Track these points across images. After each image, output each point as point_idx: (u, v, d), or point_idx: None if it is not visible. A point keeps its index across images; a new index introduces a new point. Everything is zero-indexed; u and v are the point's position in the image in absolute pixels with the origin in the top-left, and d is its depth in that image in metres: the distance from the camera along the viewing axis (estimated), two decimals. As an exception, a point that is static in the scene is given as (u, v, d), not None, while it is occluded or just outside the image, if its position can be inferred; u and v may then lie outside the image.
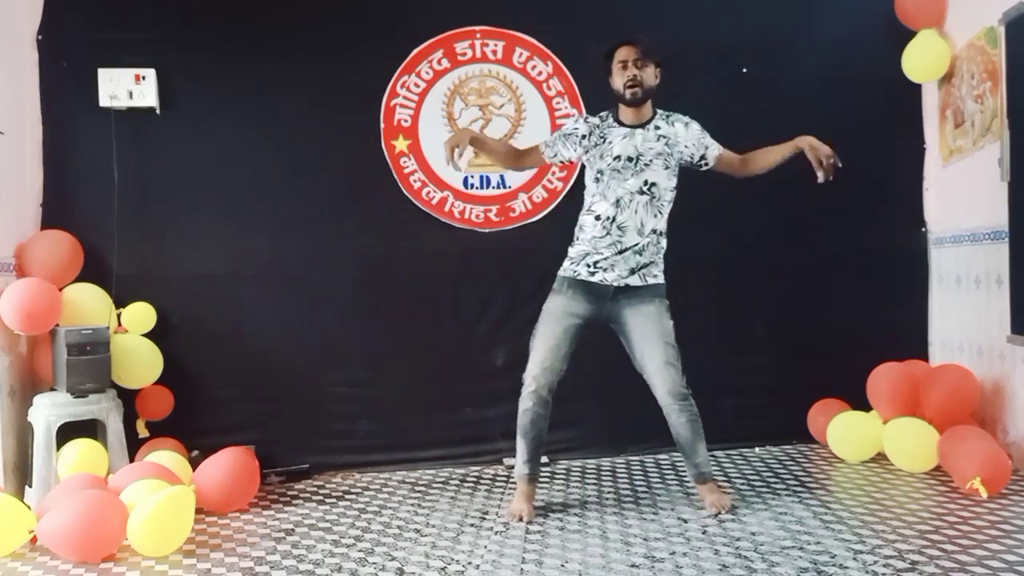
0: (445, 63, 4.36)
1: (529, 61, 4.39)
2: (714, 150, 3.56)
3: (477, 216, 4.38)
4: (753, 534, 3.14)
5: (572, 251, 3.52)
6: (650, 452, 4.38)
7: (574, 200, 4.24)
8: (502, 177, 4.39)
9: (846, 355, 4.39)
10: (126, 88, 4.06)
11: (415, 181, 4.35)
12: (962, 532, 3.08)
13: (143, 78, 4.07)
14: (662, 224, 3.47)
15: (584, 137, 3.48)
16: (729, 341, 4.46)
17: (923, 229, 4.58)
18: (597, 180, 3.45)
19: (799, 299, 4.49)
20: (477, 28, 4.37)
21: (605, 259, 3.41)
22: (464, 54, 4.38)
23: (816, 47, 4.46)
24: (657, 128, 3.48)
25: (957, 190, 4.33)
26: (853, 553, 2.90)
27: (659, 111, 3.54)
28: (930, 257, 4.57)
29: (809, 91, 4.46)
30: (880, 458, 4.07)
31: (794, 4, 4.50)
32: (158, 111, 4.14)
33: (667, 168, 3.45)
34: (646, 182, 3.41)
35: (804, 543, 3.02)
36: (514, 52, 4.39)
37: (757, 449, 4.41)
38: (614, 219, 3.40)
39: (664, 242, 3.49)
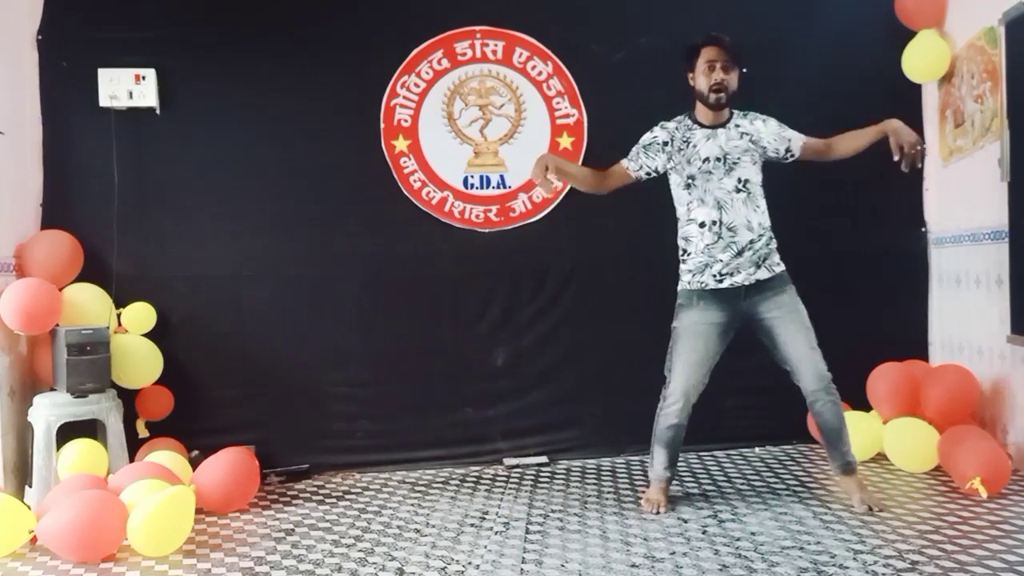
0: (445, 63, 4.36)
1: (529, 61, 4.39)
2: (797, 140, 3.55)
3: (477, 216, 4.38)
4: (753, 534, 3.14)
5: (688, 265, 3.45)
6: (650, 452, 4.37)
7: (574, 200, 4.26)
8: (502, 177, 4.40)
9: (846, 355, 4.36)
10: (126, 88, 4.06)
11: (415, 181, 4.35)
12: (962, 532, 3.08)
13: (143, 78, 4.07)
14: (766, 219, 3.44)
15: (666, 144, 3.44)
16: (729, 341, 4.45)
17: (923, 229, 4.58)
18: (689, 186, 3.41)
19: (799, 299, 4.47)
20: (477, 28, 4.37)
21: (727, 265, 3.37)
22: (464, 54, 4.38)
23: (816, 47, 4.45)
24: (738, 126, 3.46)
25: (957, 190, 4.33)
26: (853, 553, 2.90)
27: (735, 111, 3.52)
28: (930, 257, 4.57)
29: (809, 91, 4.45)
30: (880, 458, 4.07)
31: (794, 4, 4.50)
32: (158, 111, 4.14)
33: (755, 164, 3.45)
34: (740, 179, 3.39)
35: (804, 543, 3.02)
36: (514, 52, 4.39)
37: (757, 449, 4.41)
38: (720, 222, 3.37)
39: (773, 236, 3.46)
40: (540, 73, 4.40)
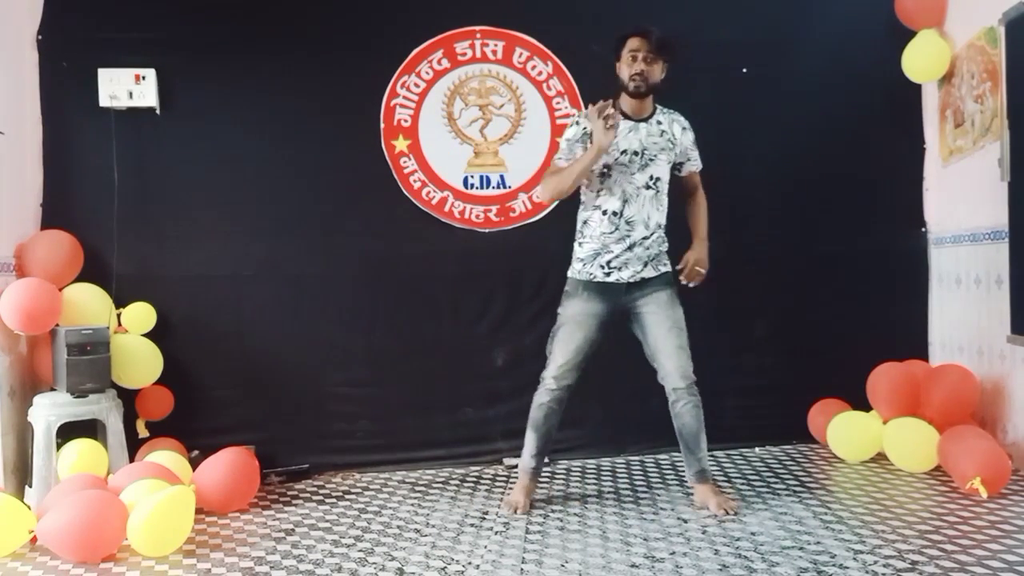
0: (445, 63, 4.36)
1: (529, 61, 4.39)
2: (692, 165, 3.61)
3: (477, 216, 4.38)
4: (753, 534, 3.14)
5: (580, 251, 3.51)
6: (650, 452, 4.38)
7: (574, 200, 4.25)
8: (502, 177, 4.40)
9: (846, 355, 4.38)
10: (126, 88, 4.06)
11: (415, 181, 4.35)
12: (962, 532, 3.08)
13: (143, 78, 4.07)
14: (664, 218, 3.51)
15: (591, 134, 3.44)
16: (729, 341, 4.46)
17: (923, 229, 4.58)
18: (603, 174, 3.45)
19: (799, 299, 4.49)
20: (477, 28, 4.37)
21: (617, 257, 3.43)
22: (464, 54, 4.38)
23: (816, 47, 4.46)
24: (659, 123, 3.50)
25: (957, 190, 4.33)
26: (853, 553, 2.90)
27: (659, 107, 3.55)
28: (930, 257, 4.57)
29: (809, 91, 4.46)
30: (880, 458, 4.07)
31: (794, 4, 4.50)
32: (158, 111, 4.14)
33: (669, 163, 3.49)
34: (651, 176, 3.44)
35: (804, 543, 3.02)
36: (514, 52, 4.39)
37: (757, 449, 4.41)
38: (622, 214, 3.42)
39: (665, 235, 3.53)
40: (540, 73, 4.40)
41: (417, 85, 4.35)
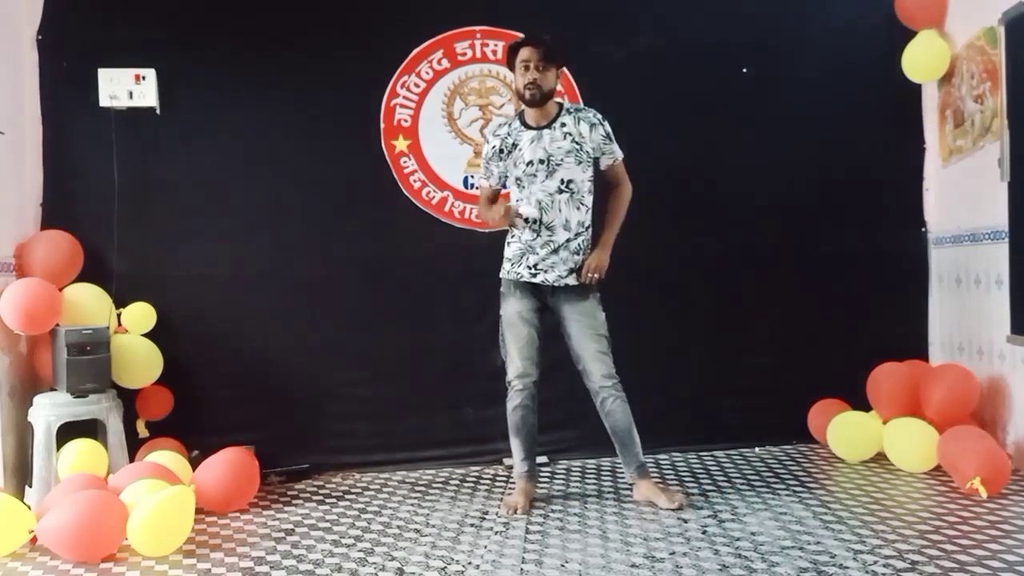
0: (445, 63, 4.36)
1: (529, 61, 4.39)
2: (608, 159, 3.57)
3: (477, 216, 4.38)
4: (753, 534, 3.14)
5: (508, 251, 3.59)
6: (650, 452, 4.35)
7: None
8: (502, 177, 4.39)
9: (846, 355, 4.39)
10: (126, 88, 4.06)
11: (415, 181, 4.35)
12: (962, 532, 3.08)
13: (143, 78, 4.07)
14: (587, 216, 3.54)
15: (501, 151, 3.55)
16: (729, 341, 4.47)
17: (923, 229, 4.58)
18: (517, 186, 3.53)
19: (799, 299, 4.49)
20: (477, 28, 4.37)
21: (543, 260, 3.50)
22: (464, 54, 4.38)
23: (816, 47, 4.46)
24: (563, 126, 3.51)
25: (957, 190, 4.33)
26: (853, 553, 2.90)
27: (567, 106, 3.58)
28: (930, 257, 4.57)
29: (809, 91, 4.46)
30: (880, 458, 4.07)
31: (794, 4, 4.50)
32: (158, 111, 4.14)
33: (579, 163, 3.49)
34: (563, 180, 3.47)
35: (804, 543, 3.02)
36: (514, 52, 4.39)
37: (757, 449, 4.41)
38: (540, 221, 3.48)
39: (590, 232, 3.55)
40: (540, 73, 4.39)
41: (417, 85, 4.35)
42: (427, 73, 4.35)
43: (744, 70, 4.48)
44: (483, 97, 4.40)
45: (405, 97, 4.34)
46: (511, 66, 3.53)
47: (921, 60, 4.32)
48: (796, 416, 4.41)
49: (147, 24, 4.15)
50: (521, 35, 4.33)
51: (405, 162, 4.34)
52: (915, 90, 4.53)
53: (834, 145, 4.50)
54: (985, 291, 4.09)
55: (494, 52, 4.38)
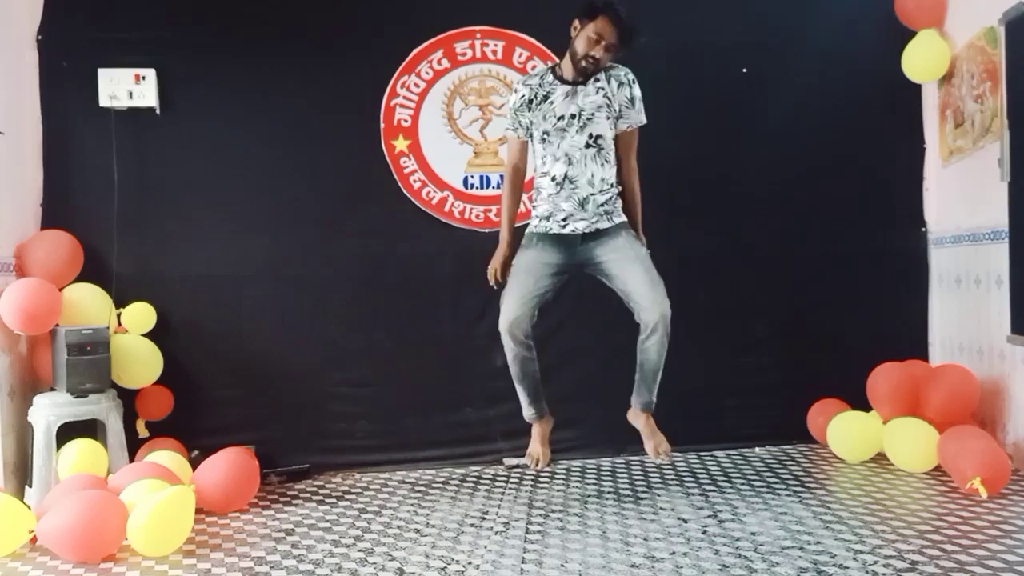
0: (445, 63, 4.36)
1: (529, 61, 4.39)
2: (624, 123, 3.50)
3: (477, 216, 4.38)
4: (753, 534, 3.14)
5: (536, 211, 3.53)
6: None
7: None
8: (502, 177, 4.38)
9: (846, 355, 4.39)
10: (126, 88, 4.06)
11: (415, 181, 4.35)
12: (962, 532, 3.08)
13: (143, 78, 4.07)
14: (612, 174, 3.47)
15: (530, 101, 3.47)
16: (729, 341, 4.47)
17: (923, 229, 4.58)
18: (544, 140, 3.46)
19: (799, 299, 4.49)
20: (477, 28, 4.37)
21: (570, 215, 3.44)
22: (464, 54, 4.38)
23: (816, 47, 4.46)
24: (596, 80, 3.45)
25: (957, 190, 4.33)
26: (853, 553, 2.90)
27: None
28: (930, 257, 4.57)
29: (809, 91, 4.46)
30: (880, 458, 4.07)
31: (794, 4, 4.50)
32: (158, 111, 4.14)
33: (608, 119, 3.45)
34: (591, 135, 3.42)
35: (804, 543, 3.02)
36: (514, 52, 4.39)
37: (757, 449, 4.41)
38: (567, 175, 3.42)
39: (618, 191, 3.49)
40: (540, 73, 4.40)
41: (417, 85, 4.35)
42: (427, 73, 4.36)
43: (744, 70, 4.48)
44: (483, 97, 4.40)
45: (405, 97, 4.34)
46: (583, 20, 3.36)
47: (921, 60, 4.32)
48: (796, 416, 4.41)
49: (147, 24, 4.15)
50: (518, 33, 4.37)
51: (405, 162, 4.34)
52: (915, 90, 4.53)
53: (834, 145, 4.50)
54: (985, 291, 4.09)
55: (494, 52, 4.39)
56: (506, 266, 3.54)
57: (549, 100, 3.44)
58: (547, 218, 3.47)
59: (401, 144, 4.34)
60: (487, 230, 4.38)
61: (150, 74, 4.08)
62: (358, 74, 4.30)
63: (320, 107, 4.26)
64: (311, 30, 4.28)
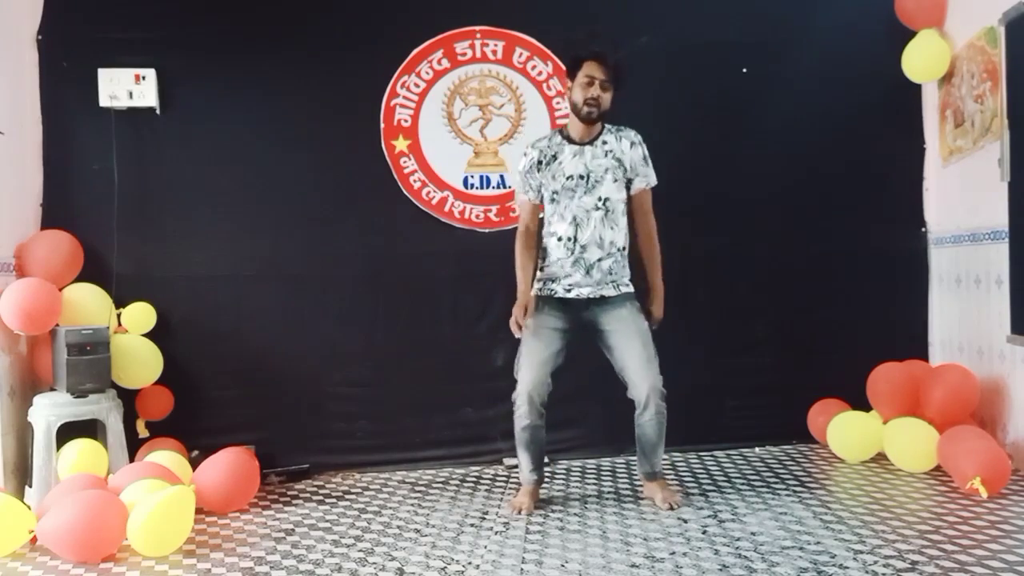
0: (445, 63, 4.36)
1: (529, 61, 4.39)
2: (641, 182, 3.56)
3: (477, 216, 4.38)
4: (753, 534, 3.14)
5: (542, 273, 3.56)
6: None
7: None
8: (502, 177, 4.40)
9: (846, 355, 4.39)
10: (126, 88, 4.06)
11: (415, 181, 4.35)
12: (962, 532, 3.08)
13: (143, 78, 4.07)
14: (621, 238, 3.52)
15: (540, 163, 3.52)
16: (729, 341, 4.47)
17: (923, 229, 4.58)
18: (553, 200, 3.50)
19: (799, 299, 4.49)
20: (477, 28, 4.37)
21: (577, 282, 3.48)
22: (464, 54, 4.38)
23: (816, 47, 4.46)
24: (605, 143, 3.51)
25: (957, 190, 4.33)
26: (853, 553, 2.90)
27: (608, 126, 3.56)
28: (930, 257, 4.57)
29: (809, 91, 4.46)
30: (880, 458, 4.07)
31: (794, 4, 4.50)
32: (158, 111, 4.14)
33: (616, 182, 3.50)
34: (600, 198, 3.47)
35: (804, 543, 3.02)
36: (514, 52, 4.39)
37: (757, 449, 4.41)
38: (575, 238, 3.46)
39: (626, 255, 3.54)
40: (540, 73, 4.40)
41: (417, 85, 4.35)
42: (427, 73, 4.36)
43: (744, 70, 4.48)
44: (483, 97, 4.40)
45: (405, 97, 4.34)
46: (571, 73, 3.45)
47: (921, 60, 4.32)
48: (796, 416, 4.41)
49: (147, 24, 4.15)
50: (518, 33, 4.37)
51: (405, 162, 4.34)
52: (915, 90, 4.53)
53: (834, 145, 4.50)
54: (985, 291, 4.09)
55: (494, 52, 4.39)
56: (529, 313, 3.49)
57: (558, 160, 3.49)
58: (553, 281, 3.51)
59: (401, 144, 4.34)
60: (487, 230, 4.38)
61: (150, 74, 4.08)
62: (358, 74, 4.30)
63: (320, 107, 4.26)
64: (311, 30, 4.28)
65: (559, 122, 4.35)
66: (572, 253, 3.47)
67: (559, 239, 3.49)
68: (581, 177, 3.46)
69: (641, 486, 3.70)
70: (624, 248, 3.54)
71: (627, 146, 3.52)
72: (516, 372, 3.54)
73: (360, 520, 3.49)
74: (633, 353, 3.43)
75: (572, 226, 3.46)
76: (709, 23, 4.43)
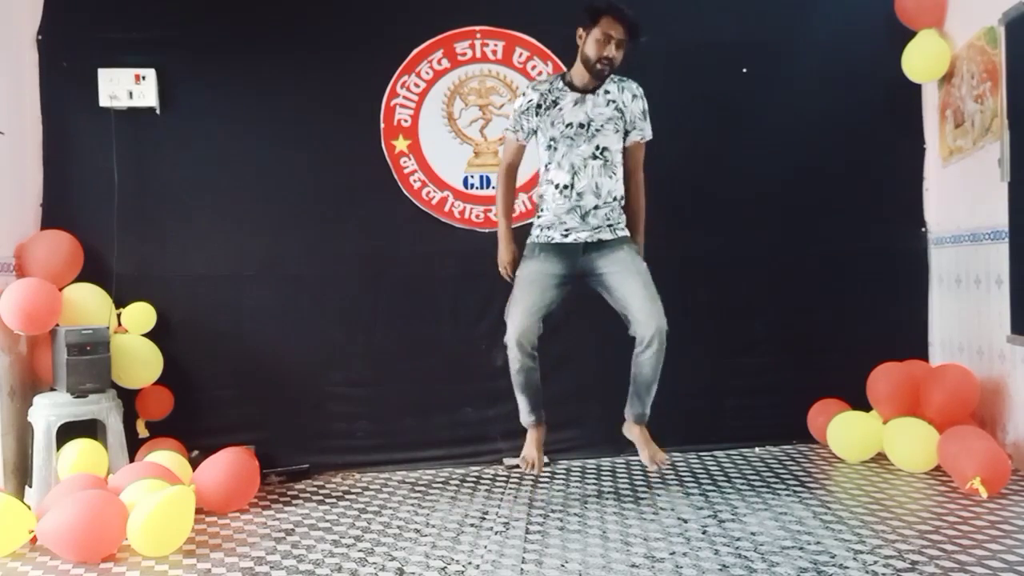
0: (445, 63, 4.36)
1: (529, 61, 4.39)
2: (637, 135, 3.52)
3: (477, 216, 4.38)
4: (753, 534, 3.14)
5: (539, 220, 3.55)
6: None
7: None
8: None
9: (846, 355, 4.39)
10: (126, 88, 4.06)
11: (415, 181, 4.35)
12: (962, 532, 3.08)
13: (143, 78, 4.07)
14: (618, 187, 3.49)
15: (538, 106, 3.46)
16: (729, 341, 4.46)
17: (923, 229, 4.58)
18: (550, 147, 3.46)
19: (799, 299, 4.49)
20: (477, 28, 4.37)
21: (573, 226, 3.45)
22: (464, 54, 4.38)
23: (816, 47, 4.46)
24: (607, 93, 3.47)
25: (957, 190, 4.33)
26: (853, 553, 2.90)
27: (611, 75, 3.49)
28: (930, 257, 4.57)
29: (809, 91, 4.46)
30: (880, 458, 4.07)
31: (794, 4, 4.50)
32: (158, 111, 4.14)
33: (617, 132, 3.47)
34: (598, 147, 3.43)
35: (804, 543, 3.02)
36: (514, 52, 4.39)
37: (757, 449, 4.41)
38: (572, 186, 3.43)
39: (621, 204, 3.51)
40: (540, 73, 4.40)
41: (417, 85, 4.35)
42: (427, 73, 4.36)
43: (744, 70, 4.48)
44: (483, 97, 4.40)
45: (405, 97, 4.34)
46: (587, 24, 3.37)
47: (921, 60, 4.32)
48: (796, 416, 4.41)
49: (147, 24, 4.15)
50: (518, 33, 4.37)
51: (405, 162, 4.34)
52: (915, 90, 4.53)
53: (834, 145, 4.50)
54: (985, 291, 4.09)
55: (494, 52, 4.39)
56: (515, 262, 3.54)
57: (558, 106, 3.45)
58: (549, 228, 3.49)
59: (401, 144, 4.34)
60: (487, 230, 4.38)
61: (150, 74, 4.08)
62: (358, 74, 4.30)
63: (320, 107, 4.26)
64: (311, 30, 4.28)
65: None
66: (569, 200, 3.43)
67: (556, 186, 3.45)
68: (581, 125, 3.42)
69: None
70: (621, 198, 3.50)
71: (629, 98, 3.48)
72: (506, 316, 3.50)
73: (360, 520, 3.49)
74: (635, 292, 3.39)
75: (569, 174, 3.43)
76: (709, 23, 4.43)
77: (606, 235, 3.46)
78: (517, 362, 3.48)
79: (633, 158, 3.55)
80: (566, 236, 3.46)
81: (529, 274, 3.48)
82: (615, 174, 3.47)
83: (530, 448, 3.61)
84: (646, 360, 3.42)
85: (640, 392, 3.52)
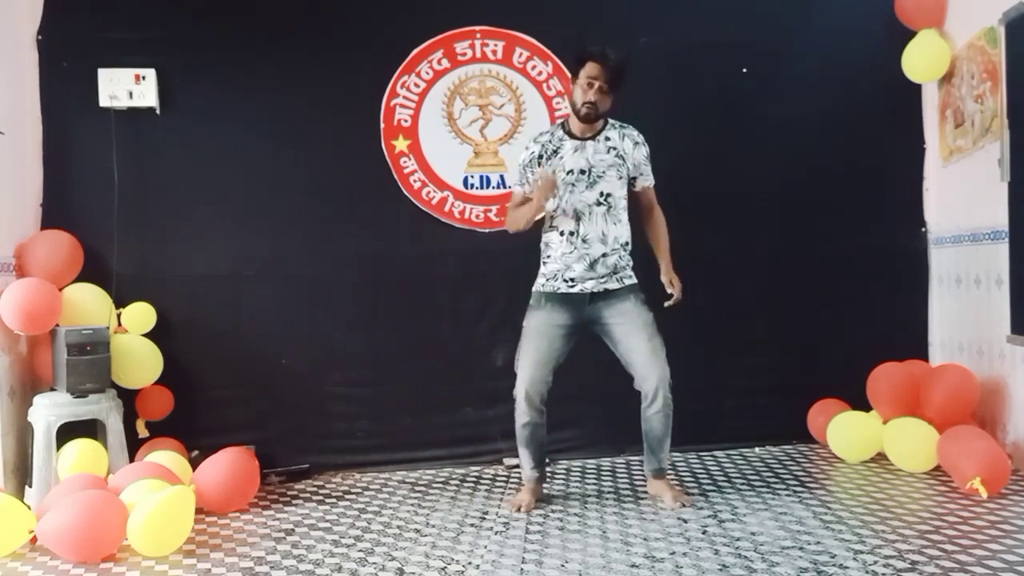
0: (445, 63, 4.36)
1: (529, 61, 4.39)
2: (644, 180, 3.60)
3: (477, 216, 4.38)
4: (753, 534, 3.14)
5: (545, 269, 3.58)
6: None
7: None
8: (502, 177, 4.40)
9: (846, 355, 4.39)
10: (126, 88, 4.06)
11: (415, 181, 4.35)
12: (962, 532, 3.08)
13: (143, 78, 4.07)
14: (624, 232, 3.53)
15: (541, 157, 3.53)
16: (729, 341, 4.46)
17: (923, 229, 4.58)
18: (554, 195, 3.49)
19: (799, 299, 4.48)
20: (477, 28, 4.37)
21: (579, 275, 3.48)
22: (464, 54, 4.38)
23: (816, 47, 4.46)
24: (608, 139, 3.52)
25: (957, 190, 4.33)
26: (853, 553, 2.90)
27: (611, 121, 3.57)
28: (930, 257, 4.57)
29: (809, 91, 4.46)
30: (880, 458, 4.07)
31: (794, 4, 4.50)
32: (158, 111, 4.14)
33: (620, 178, 3.52)
34: (602, 193, 3.48)
35: (804, 543, 3.02)
36: (514, 52, 4.39)
37: (757, 449, 4.41)
38: (577, 232, 3.47)
39: (629, 251, 3.55)
40: (540, 73, 4.40)
41: (417, 85, 4.35)
42: (427, 73, 4.36)
43: (744, 70, 4.48)
44: (483, 97, 4.40)
45: (405, 97, 4.34)
46: (574, 73, 3.46)
47: (921, 60, 4.32)
48: (796, 416, 4.41)
49: (147, 24, 4.15)
50: (518, 33, 4.37)
51: (405, 162, 4.34)
52: (915, 90, 4.53)
53: (834, 145, 4.50)
54: (985, 291, 4.09)
55: (494, 52, 4.38)
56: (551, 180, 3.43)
57: (559, 155, 3.51)
58: (555, 277, 3.51)
59: (401, 144, 4.34)
60: (487, 230, 4.38)
61: (150, 74, 4.09)
62: (358, 74, 4.30)
63: (320, 107, 4.26)
64: (311, 30, 4.28)
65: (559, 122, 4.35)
66: (575, 248, 3.47)
67: (561, 233, 3.49)
68: (582, 172, 3.47)
69: (645, 485, 3.70)
70: (627, 244, 3.54)
71: (630, 145, 3.54)
72: (516, 367, 3.55)
73: (360, 520, 3.49)
74: (639, 345, 3.44)
75: (575, 221, 3.47)
76: (709, 23, 4.43)
77: (612, 284, 3.49)
78: (525, 416, 3.52)
79: (647, 198, 3.63)
80: (572, 286, 3.49)
81: (537, 325, 3.52)
82: (620, 220, 3.51)
83: (525, 494, 3.60)
84: (653, 416, 3.49)
85: (653, 447, 3.55)
